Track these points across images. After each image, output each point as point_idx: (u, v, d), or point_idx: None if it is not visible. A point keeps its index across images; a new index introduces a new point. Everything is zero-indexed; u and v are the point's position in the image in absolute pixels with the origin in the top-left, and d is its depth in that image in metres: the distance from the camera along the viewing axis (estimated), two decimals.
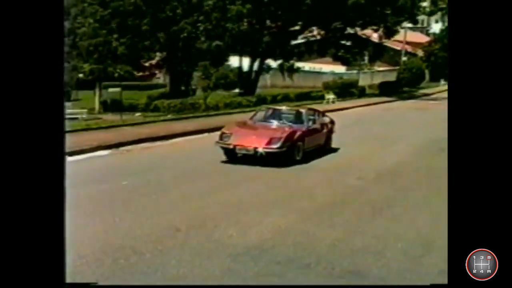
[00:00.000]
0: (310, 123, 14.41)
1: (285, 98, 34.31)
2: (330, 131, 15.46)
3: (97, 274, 5.82)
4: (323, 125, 15.21)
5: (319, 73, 48.45)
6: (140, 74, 43.45)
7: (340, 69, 46.92)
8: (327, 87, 39.80)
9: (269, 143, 12.68)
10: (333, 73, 46.49)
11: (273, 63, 39.28)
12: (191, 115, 25.65)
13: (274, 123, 14.09)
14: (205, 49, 32.86)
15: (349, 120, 24.32)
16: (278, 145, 12.66)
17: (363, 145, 16.60)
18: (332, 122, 15.90)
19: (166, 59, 37.23)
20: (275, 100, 32.97)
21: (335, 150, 15.10)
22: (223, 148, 13.08)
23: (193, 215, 8.30)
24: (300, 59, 40.32)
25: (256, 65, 37.18)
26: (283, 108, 15.99)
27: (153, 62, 41.04)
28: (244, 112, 23.41)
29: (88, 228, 7.44)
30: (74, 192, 9.10)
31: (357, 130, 20.89)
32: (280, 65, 38.81)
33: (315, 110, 15.97)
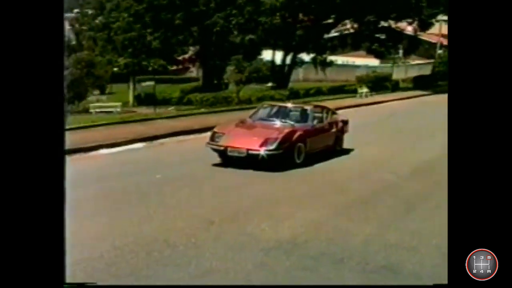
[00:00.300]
0: (316, 121, 13.17)
1: (318, 92, 34.17)
2: (341, 131, 14.08)
3: (131, 266, 5.89)
4: (332, 124, 13.81)
5: (352, 66, 48.03)
6: (174, 68, 43.78)
7: (373, 62, 46.38)
8: (361, 80, 39.39)
9: (263, 144, 11.51)
10: (366, 67, 45.98)
11: (306, 57, 39.09)
12: (224, 108, 25.71)
13: (275, 122, 12.87)
14: (238, 43, 32.90)
15: (382, 114, 24.11)
16: (273, 146, 11.49)
17: (396, 139, 16.42)
18: (344, 121, 14.47)
19: (199, 53, 37.40)
20: (308, 94, 32.88)
21: (368, 143, 14.87)
22: (214, 150, 11.98)
23: (226, 209, 8.34)
24: (333, 52, 40.03)
25: (289, 59, 37.07)
26: (288, 105, 14.37)
27: (186, 56, 41.23)
28: None
29: (122, 221, 7.54)
30: (108, 184, 9.23)
31: (391, 124, 20.68)
32: (313, 59, 38.61)
33: (323, 107, 14.69)
